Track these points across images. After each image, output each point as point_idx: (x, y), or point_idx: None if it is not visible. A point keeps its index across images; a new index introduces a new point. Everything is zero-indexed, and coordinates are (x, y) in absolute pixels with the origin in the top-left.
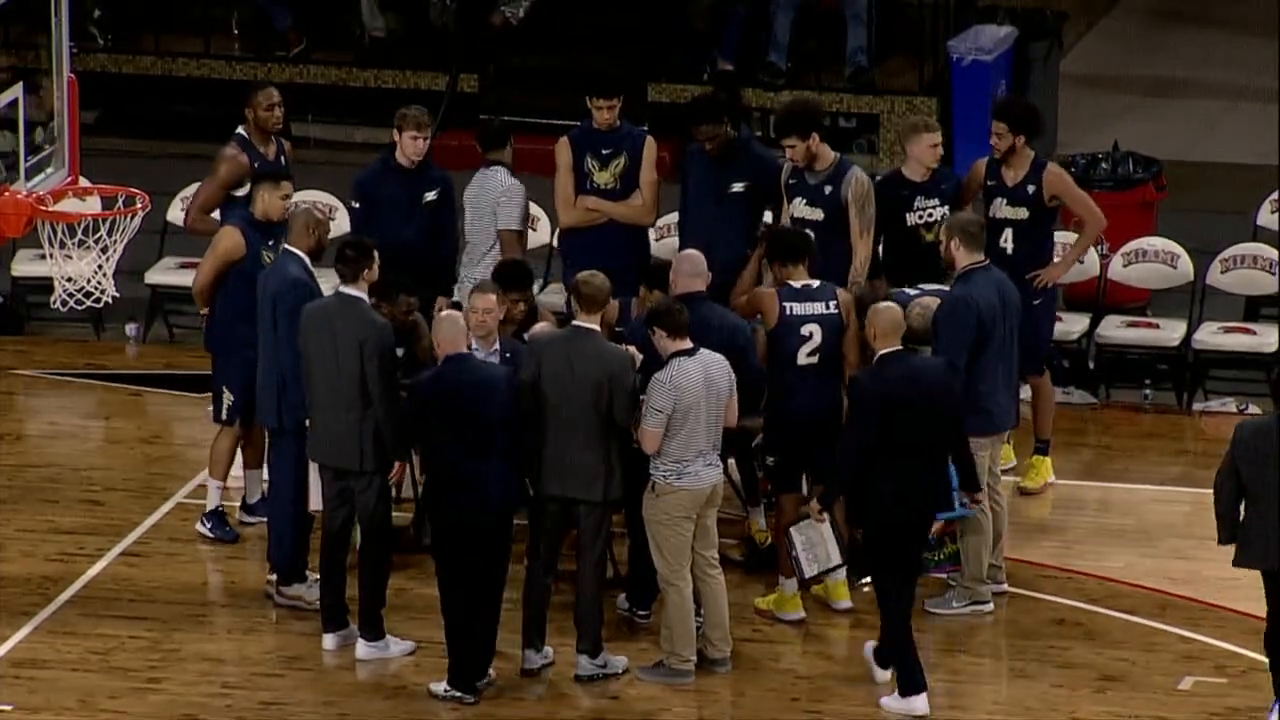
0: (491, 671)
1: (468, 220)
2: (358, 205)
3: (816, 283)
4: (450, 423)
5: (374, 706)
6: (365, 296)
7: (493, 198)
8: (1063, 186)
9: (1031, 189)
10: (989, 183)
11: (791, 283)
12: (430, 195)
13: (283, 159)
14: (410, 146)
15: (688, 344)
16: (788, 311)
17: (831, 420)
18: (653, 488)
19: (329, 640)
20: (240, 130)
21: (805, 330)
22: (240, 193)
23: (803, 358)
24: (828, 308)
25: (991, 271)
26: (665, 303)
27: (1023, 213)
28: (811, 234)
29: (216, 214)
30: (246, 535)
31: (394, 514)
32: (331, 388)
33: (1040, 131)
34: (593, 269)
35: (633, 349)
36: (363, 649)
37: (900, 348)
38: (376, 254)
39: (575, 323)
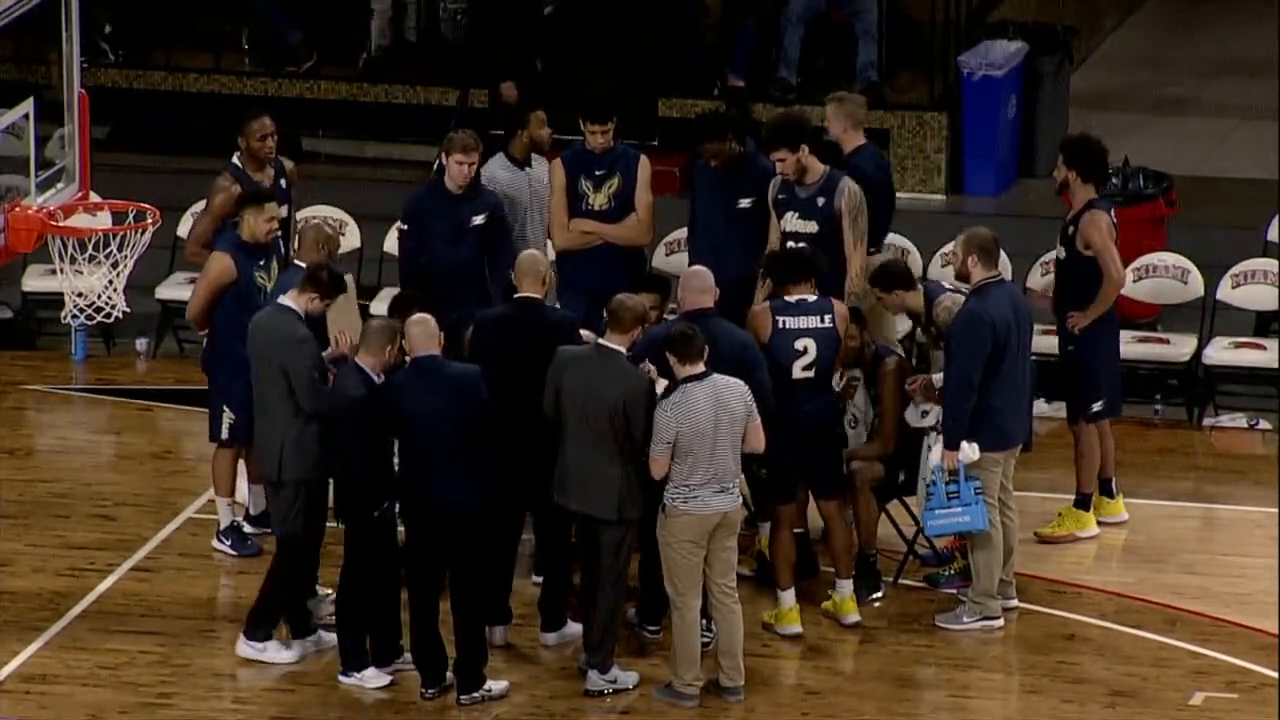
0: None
1: None
2: (405, 227)
3: (812, 297)
4: (423, 421)
5: None
6: (301, 312)
7: None
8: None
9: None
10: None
11: (786, 297)
12: (478, 219)
13: (283, 182)
14: (457, 171)
15: (700, 369)
16: (780, 325)
17: (824, 430)
18: (663, 509)
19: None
20: (234, 160)
21: (799, 345)
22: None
23: (798, 371)
24: (822, 321)
25: (1005, 286)
26: (681, 327)
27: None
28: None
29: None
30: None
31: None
32: (261, 396)
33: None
34: (588, 290)
35: (651, 369)
36: (241, 647)
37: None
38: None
39: (600, 342)
